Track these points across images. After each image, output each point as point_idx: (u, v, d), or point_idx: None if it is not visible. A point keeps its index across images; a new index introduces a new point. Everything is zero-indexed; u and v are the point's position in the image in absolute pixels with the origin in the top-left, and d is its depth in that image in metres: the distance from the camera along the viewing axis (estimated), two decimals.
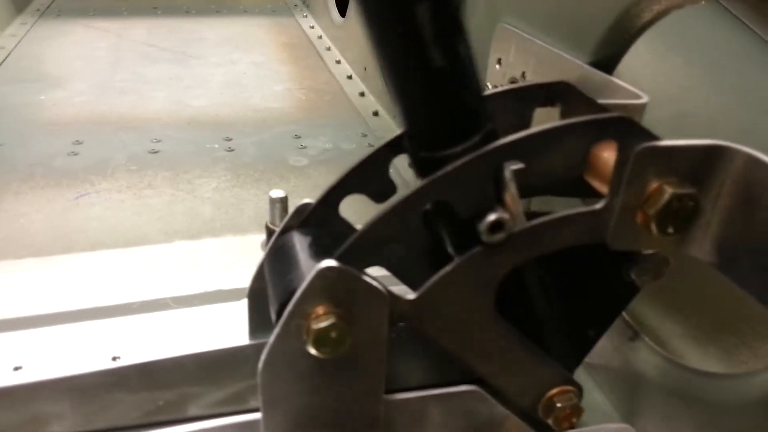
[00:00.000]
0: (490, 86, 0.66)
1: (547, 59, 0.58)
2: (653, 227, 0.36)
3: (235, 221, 0.96)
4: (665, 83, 0.51)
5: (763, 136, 0.44)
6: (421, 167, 0.39)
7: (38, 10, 2.06)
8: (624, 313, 0.58)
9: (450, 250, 0.40)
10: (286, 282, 0.40)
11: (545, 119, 0.48)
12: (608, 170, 0.37)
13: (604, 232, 0.38)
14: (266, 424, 0.41)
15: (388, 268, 0.44)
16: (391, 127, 1.31)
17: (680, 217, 0.36)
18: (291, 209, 0.45)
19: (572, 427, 0.47)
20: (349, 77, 1.57)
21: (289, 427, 0.42)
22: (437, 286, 0.39)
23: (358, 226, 0.39)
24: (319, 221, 0.45)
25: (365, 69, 1.49)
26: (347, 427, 0.43)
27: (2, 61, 1.60)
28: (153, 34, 1.90)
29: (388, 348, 0.40)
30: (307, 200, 0.45)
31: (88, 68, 1.60)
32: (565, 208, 0.40)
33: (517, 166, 0.37)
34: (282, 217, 0.56)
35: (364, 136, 1.28)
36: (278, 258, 0.43)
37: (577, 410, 0.46)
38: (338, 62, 1.66)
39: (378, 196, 0.46)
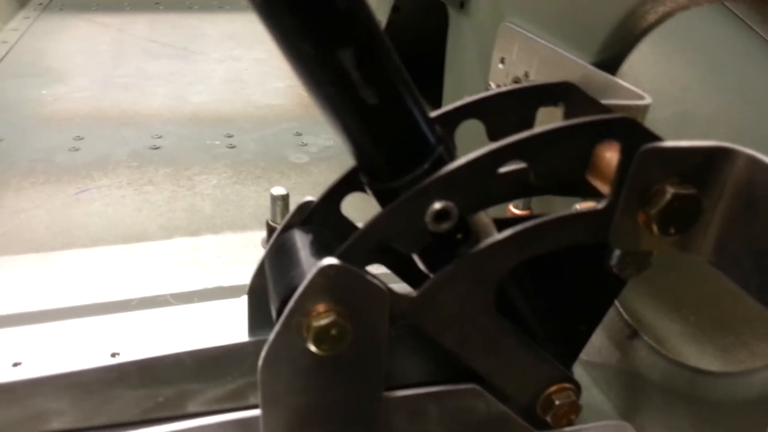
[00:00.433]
0: (493, 85, 0.66)
1: (550, 59, 0.58)
2: (654, 227, 0.37)
3: (235, 218, 0.97)
4: (668, 84, 0.51)
5: (766, 136, 0.44)
6: (378, 198, 0.40)
7: (41, 4, 2.06)
8: (622, 312, 0.58)
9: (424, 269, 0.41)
10: (287, 279, 0.40)
11: (548, 119, 0.48)
12: (611, 170, 0.37)
13: (606, 232, 0.38)
14: (266, 421, 0.41)
15: (389, 266, 0.45)
16: None
17: (682, 217, 0.36)
18: (292, 207, 0.45)
19: (570, 425, 0.47)
20: None
21: (289, 424, 0.42)
22: (438, 284, 0.39)
23: (360, 225, 0.39)
24: (320, 219, 0.45)
25: None
26: (346, 423, 0.43)
27: (4, 56, 1.60)
28: (155, 29, 1.90)
29: (388, 345, 0.40)
30: (308, 198, 0.45)
31: (90, 63, 1.60)
32: (567, 208, 0.40)
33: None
34: (283, 215, 0.56)
35: None
36: (279, 255, 0.43)
37: (575, 408, 0.46)
38: None
39: None
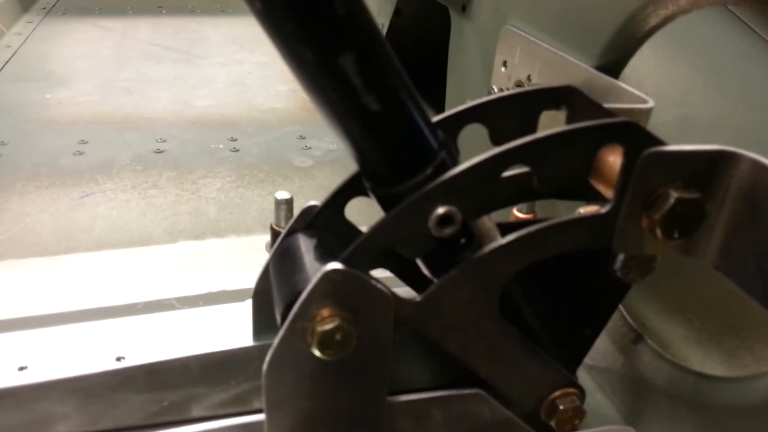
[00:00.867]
0: (495, 89, 0.66)
1: (552, 62, 0.58)
2: (658, 232, 0.36)
3: (239, 222, 0.97)
4: (671, 88, 0.51)
5: None
6: (381, 203, 0.40)
7: (44, 8, 2.07)
8: (627, 316, 0.58)
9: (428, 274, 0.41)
10: (291, 284, 0.40)
11: (551, 123, 0.48)
12: (614, 175, 0.37)
13: (610, 236, 0.38)
14: (270, 425, 0.41)
15: (393, 271, 0.45)
16: None
17: (685, 221, 0.36)
18: (296, 211, 0.45)
19: (575, 429, 0.47)
20: None
21: (293, 429, 0.42)
22: (442, 288, 0.39)
23: (364, 229, 0.39)
24: (324, 224, 0.45)
25: None
26: (351, 428, 0.43)
27: (8, 60, 1.60)
28: (158, 33, 1.90)
29: (393, 350, 0.40)
30: (312, 202, 0.45)
31: (93, 67, 1.61)
32: (571, 212, 0.40)
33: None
34: (287, 219, 0.56)
35: None
36: (284, 260, 0.43)
37: (579, 413, 0.46)
38: None
39: None
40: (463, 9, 0.86)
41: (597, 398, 0.59)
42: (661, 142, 0.36)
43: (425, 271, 0.43)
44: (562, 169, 0.39)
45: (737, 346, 0.51)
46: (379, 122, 0.36)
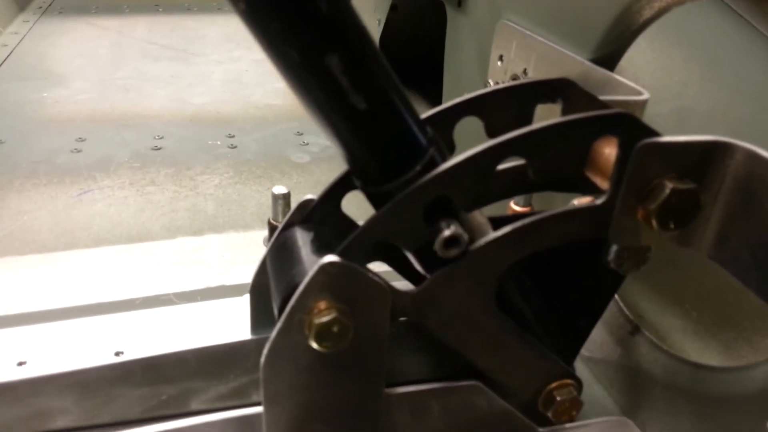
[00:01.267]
0: (491, 83, 0.66)
1: (548, 56, 0.58)
2: (654, 223, 0.37)
3: (237, 217, 0.97)
4: (666, 80, 0.52)
5: (764, 131, 0.44)
6: (372, 200, 0.40)
7: (40, 7, 2.06)
8: (623, 307, 0.58)
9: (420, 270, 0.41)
10: (288, 277, 0.40)
11: (547, 116, 0.48)
12: (609, 166, 0.37)
13: (605, 227, 0.38)
14: (268, 418, 0.42)
15: (391, 264, 0.45)
16: None
17: (681, 212, 0.36)
18: (293, 205, 0.45)
19: (572, 420, 0.47)
20: None
21: (291, 421, 0.42)
22: (439, 281, 0.40)
23: (360, 222, 0.39)
24: (321, 217, 0.45)
25: None
26: (349, 420, 0.43)
27: (5, 59, 1.60)
28: (154, 31, 1.90)
29: (390, 342, 0.41)
30: (309, 196, 0.45)
31: (90, 66, 1.60)
32: (566, 204, 0.40)
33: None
34: (284, 214, 0.56)
35: None
36: (281, 254, 0.43)
37: (576, 403, 0.46)
38: None
39: None
40: (459, 4, 0.87)
41: (594, 389, 0.59)
42: (656, 133, 0.37)
43: (417, 266, 0.43)
44: (558, 160, 0.39)
45: (734, 337, 0.51)
46: (367, 121, 0.36)
